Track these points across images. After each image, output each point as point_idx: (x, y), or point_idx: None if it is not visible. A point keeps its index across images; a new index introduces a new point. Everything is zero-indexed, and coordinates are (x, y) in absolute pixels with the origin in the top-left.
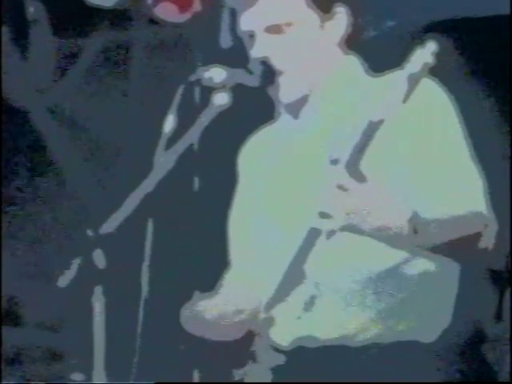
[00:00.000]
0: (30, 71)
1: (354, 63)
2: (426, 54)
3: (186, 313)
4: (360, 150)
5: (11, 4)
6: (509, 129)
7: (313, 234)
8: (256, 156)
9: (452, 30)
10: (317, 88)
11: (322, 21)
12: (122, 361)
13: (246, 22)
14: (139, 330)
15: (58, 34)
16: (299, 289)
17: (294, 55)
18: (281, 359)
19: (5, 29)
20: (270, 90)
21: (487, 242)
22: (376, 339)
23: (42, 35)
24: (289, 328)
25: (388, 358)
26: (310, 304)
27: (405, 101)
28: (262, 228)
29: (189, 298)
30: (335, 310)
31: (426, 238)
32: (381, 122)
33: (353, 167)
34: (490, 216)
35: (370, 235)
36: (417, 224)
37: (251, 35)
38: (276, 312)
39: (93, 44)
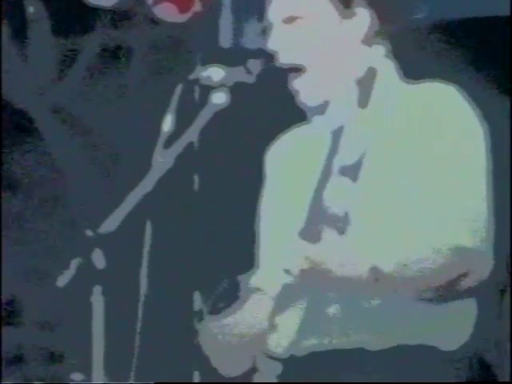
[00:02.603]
0: (29, 71)
1: (388, 68)
2: (372, 57)
3: (207, 330)
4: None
5: (11, 4)
6: (509, 129)
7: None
8: (284, 156)
9: (452, 29)
10: (344, 91)
11: (343, 17)
12: (121, 361)
13: (269, 14)
14: (139, 329)
15: (57, 34)
16: (301, 301)
17: (311, 50)
18: (278, 368)
19: (5, 29)
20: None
21: (478, 279)
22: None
23: (41, 35)
24: (289, 335)
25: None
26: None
27: (364, 106)
28: (287, 231)
29: (188, 297)
30: (348, 319)
31: (389, 285)
32: (341, 129)
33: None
34: (481, 252)
35: (332, 283)
36: (378, 273)
37: (270, 27)
38: (279, 319)
39: (93, 44)
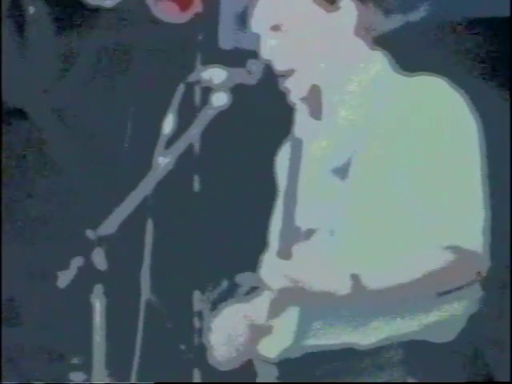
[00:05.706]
0: (30, 72)
1: (379, 59)
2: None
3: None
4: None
5: (11, 3)
6: (509, 129)
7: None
8: (285, 160)
9: (453, 30)
10: (333, 84)
11: (328, 12)
12: (121, 361)
13: (253, 25)
14: (139, 329)
15: (58, 34)
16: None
17: (304, 52)
18: (273, 371)
19: (5, 29)
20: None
21: (471, 278)
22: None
23: (42, 35)
24: (280, 338)
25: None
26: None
27: (318, 118)
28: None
29: (189, 298)
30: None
31: (374, 295)
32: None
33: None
34: (477, 251)
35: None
36: (359, 284)
37: (258, 37)
38: (274, 322)
39: (93, 44)
